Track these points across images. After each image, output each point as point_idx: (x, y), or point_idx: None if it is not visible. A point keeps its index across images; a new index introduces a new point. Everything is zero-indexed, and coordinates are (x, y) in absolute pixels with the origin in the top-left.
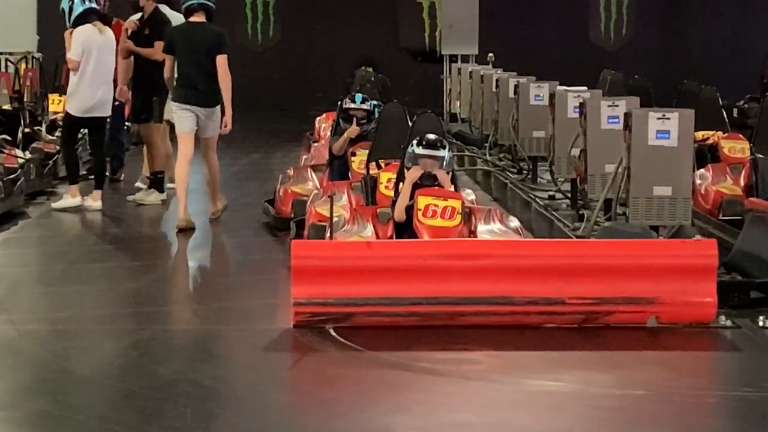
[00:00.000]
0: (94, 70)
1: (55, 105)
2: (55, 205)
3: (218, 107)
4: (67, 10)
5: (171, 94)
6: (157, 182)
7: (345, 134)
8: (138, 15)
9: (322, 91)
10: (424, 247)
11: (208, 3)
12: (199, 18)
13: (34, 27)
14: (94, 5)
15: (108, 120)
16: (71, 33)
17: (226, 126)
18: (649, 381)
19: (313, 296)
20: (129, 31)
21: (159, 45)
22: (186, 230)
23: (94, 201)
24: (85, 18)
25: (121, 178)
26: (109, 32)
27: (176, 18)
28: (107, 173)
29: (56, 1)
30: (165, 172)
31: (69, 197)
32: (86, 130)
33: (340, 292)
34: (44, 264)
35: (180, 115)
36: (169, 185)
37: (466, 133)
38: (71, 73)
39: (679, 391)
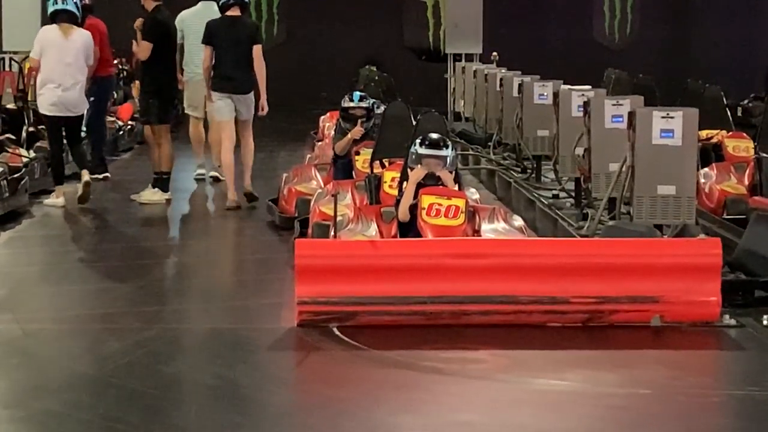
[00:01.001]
0: (51, 70)
1: None
2: (46, 201)
3: (252, 93)
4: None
5: (210, 83)
6: (161, 182)
7: (348, 135)
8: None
9: (326, 90)
10: (428, 246)
11: None
12: (234, 12)
13: (38, 26)
14: (65, 6)
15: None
16: None
17: (263, 109)
18: (653, 380)
19: (317, 295)
20: (138, 31)
21: (144, 45)
22: (236, 209)
23: (84, 177)
24: (52, 19)
25: (106, 177)
26: (76, 32)
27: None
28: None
29: None
30: (170, 172)
31: (54, 197)
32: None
33: (345, 291)
34: (48, 263)
35: (220, 105)
36: (200, 171)
37: (470, 132)
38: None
39: (683, 390)
